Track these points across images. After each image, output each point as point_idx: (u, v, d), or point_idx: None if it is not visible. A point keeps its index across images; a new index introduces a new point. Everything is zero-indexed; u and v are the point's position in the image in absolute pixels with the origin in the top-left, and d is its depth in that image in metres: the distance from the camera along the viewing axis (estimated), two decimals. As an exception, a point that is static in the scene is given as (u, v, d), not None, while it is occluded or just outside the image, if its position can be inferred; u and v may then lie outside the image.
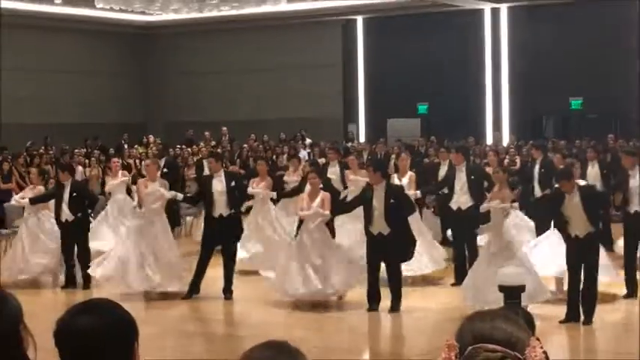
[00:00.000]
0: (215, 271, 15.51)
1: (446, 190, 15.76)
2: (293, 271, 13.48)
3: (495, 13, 32.63)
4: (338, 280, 13.41)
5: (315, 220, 13.54)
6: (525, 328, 2.38)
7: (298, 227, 14.05)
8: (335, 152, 21.78)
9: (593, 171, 18.95)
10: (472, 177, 15.23)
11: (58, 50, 33.12)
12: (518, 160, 23.78)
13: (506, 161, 26.29)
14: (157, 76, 36.76)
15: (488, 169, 16.33)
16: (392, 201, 13.04)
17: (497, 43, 32.69)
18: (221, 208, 14.63)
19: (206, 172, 22.35)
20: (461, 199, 15.18)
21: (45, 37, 32.66)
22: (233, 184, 14.82)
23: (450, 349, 2.32)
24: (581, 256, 11.84)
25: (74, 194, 15.74)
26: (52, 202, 16.09)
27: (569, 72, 30.43)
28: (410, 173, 16.34)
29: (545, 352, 2.35)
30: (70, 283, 15.63)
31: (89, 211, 16.41)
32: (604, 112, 29.96)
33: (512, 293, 7.77)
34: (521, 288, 7.97)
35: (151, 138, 30.88)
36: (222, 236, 14.59)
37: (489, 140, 31.44)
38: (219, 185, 14.73)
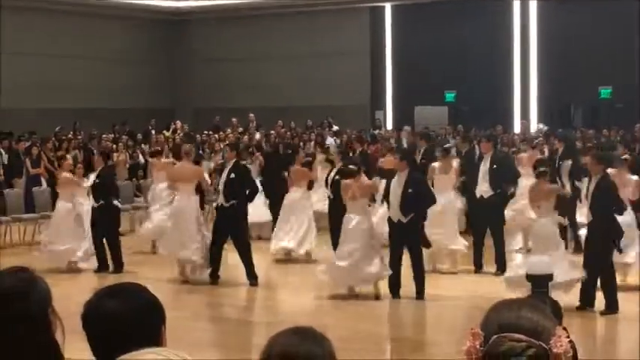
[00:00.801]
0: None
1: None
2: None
3: (525, 0, 32.44)
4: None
5: None
6: (552, 317, 2.36)
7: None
8: (359, 142, 22.04)
9: None
10: (494, 166, 15.30)
11: (88, 36, 33.21)
12: (546, 150, 23.62)
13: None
14: (184, 62, 36.79)
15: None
16: (410, 190, 13.08)
17: (525, 30, 32.51)
18: (221, 198, 14.78)
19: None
20: (482, 187, 15.32)
21: (75, 23, 32.76)
22: (232, 175, 14.80)
23: (475, 337, 2.32)
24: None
25: (97, 181, 15.92)
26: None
27: (598, 60, 30.22)
28: None
29: (572, 342, 2.34)
30: (102, 267, 15.77)
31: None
32: (633, 101, 29.72)
33: (540, 282, 7.76)
34: (549, 277, 7.96)
35: (178, 124, 30.97)
36: (223, 226, 14.68)
37: (517, 129, 31.28)
38: (224, 175, 14.89)
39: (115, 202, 16.15)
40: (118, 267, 15.75)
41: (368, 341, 11.22)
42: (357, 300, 13.38)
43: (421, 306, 13.08)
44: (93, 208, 15.81)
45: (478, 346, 2.30)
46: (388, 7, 34.66)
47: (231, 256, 15.28)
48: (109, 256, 15.80)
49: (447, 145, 16.70)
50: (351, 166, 14.25)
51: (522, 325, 2.29)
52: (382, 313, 12.99)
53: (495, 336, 2.28)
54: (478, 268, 15.37)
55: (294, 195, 17.26)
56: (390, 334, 12.45)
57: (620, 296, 12.23)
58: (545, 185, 13.01)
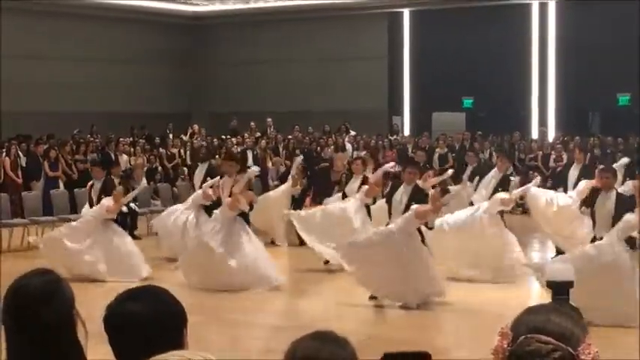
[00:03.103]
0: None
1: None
2: None
3: (543, 7, 32.40)
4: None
5: None
6: (583, 325, 2.35)
7: None
8: (372, 157, 22.27)
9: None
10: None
11: (107, 39, 33.35)
12: (564, 156, 23.60)
13: (552, 157, 26.19)
14: (202, 66, 36.89)
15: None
16: (413, 203, 13.23)
17: (544, 37, 32.46)
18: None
19: (250, 162, 22.58)
20: None
21: (94, 27, 32.90)
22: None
23: (504, 337, 2.33)
24: None
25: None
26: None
27: (616, 67, 30.12)
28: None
29: (597, 352, 2.33)
30: None
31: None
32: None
33: (561, 289, 7.72)
34: (570, 284, 7.92)
35: (196, 128, 31.05)
36: None
37: (535, 135, 31.24)
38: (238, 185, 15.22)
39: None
40: None
41: (392, 345, 11.19)
42: (379, 303, 13.36)
43: (444, 312, 13.08)
44: None
45: (506, 346, 2.32)
46: (406, 13, 34.66)
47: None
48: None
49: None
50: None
51: (551, 329, 2.29)
52: (404, 318, 12.96)
53: (523, 337, 2.29)
54: None
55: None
56: (417, 339, 12.38)
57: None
58: None
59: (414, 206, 13.07)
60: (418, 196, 13.52)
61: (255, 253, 14.67)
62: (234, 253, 14.49)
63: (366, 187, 16.11)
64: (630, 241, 12.07)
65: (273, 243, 19.06)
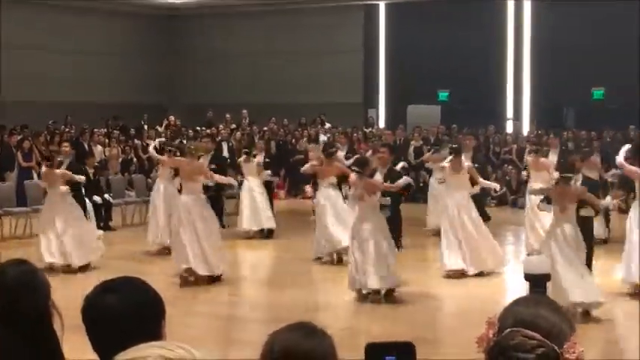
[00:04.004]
0: (246, 255, 15.64)
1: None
2: None
3: (519, 1, 32.48)
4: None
5: None
6: (570, 321, 2.33)
7: None
8: (344, 137, 22.40)
9: (596, 161, 19.05)
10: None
11: (81, 30, 33.12)
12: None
13: (527, 151, 26.29)
14: (178, 57, 36.74)
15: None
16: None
17: (519, 31, 32.54)
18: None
19: (225, 153, 22.56)
20: None
21: (68, 17, 32.68)
22: (214, 166, 15.32)
23: (490, 326, 2.31)
24: None
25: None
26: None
27: (591, 62, 30.23)
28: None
29: (582, 352, 2.31)
30: None
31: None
32: (626, 103, 29.75)
33: (538, 282, 7.74)
34: (547, 276, 7.96)
35: (172, 119, 30.94)
36: None
37: (509, 129, 31.34)
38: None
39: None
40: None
41: (370, 336, 11.21)
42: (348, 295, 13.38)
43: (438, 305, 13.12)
44: None
45: (491, 335, 2.30)
46: (382, 6, 34.65)
47: (229, 253, 15.32)
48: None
49: (455, 146, 16.59)
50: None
51: (539, 324, 2.27)
52: (398, 313, 12.98)
53: (509, 330, 2.27)
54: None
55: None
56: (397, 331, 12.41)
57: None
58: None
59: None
60: (393, 176, 13.57)
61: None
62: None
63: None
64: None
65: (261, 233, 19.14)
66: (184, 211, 14.52)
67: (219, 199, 16.08)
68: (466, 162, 15.39)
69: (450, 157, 15.36)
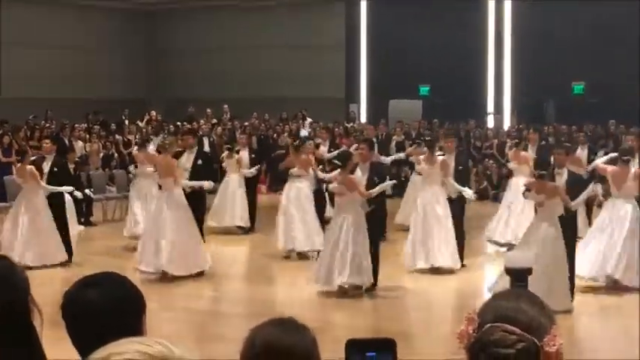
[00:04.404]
0: (218, 250, 15.58)
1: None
2: None
3: (499, -4, 32.57)
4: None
5: None
6: (550, 314, 2.32)
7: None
8: (326, 132, 22.40)
9: (583, 154, 19.13)
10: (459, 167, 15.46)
11: (61, 25, 33.01)
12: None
13: (507, 145, 26.36)
14: (159, 52, 36.66)
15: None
16: (375, 179, 13.35)
17: (500, 25, 32.61)
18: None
19: (206, 148, 22.50)
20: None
21: (47, 12, 32.55)
22: (200, 162, 15.20)
23: (469, 322, 2.29)
24: None
25: (55, 169, 15.75)
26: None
27: (571, 56, 30.35)
28: None
29: (562, 344, 2.29)
30: None
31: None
32: (606, 97, 29.88)
33: (520, 276, 7.75)
34: (529, 270, 7.97)
35: (153, 114, 30.85)
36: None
37: (490, 123, 31.41)
38: (187, 162, 15.03)
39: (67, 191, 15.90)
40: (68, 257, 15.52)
41: (343, 331, 11.21)
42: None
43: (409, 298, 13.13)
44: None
45: (471, 332, 2.28)
46: (364, 1, 34.66)
47: (207, 247, 15.29)
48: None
49: (429, 139, 16.59)
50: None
51: (518, 318, 2.26)
52: (367, 306, 12.99)
53: (488, 325, 2.26)
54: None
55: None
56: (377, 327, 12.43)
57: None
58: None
59: None
60: (376, 171, 13.58)
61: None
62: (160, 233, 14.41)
63: None
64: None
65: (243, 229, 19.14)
66: (159, 209, 14.48)
67: (202, 195, 16.00)
68: (440, 157, 15.33)
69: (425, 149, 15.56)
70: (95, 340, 2.50)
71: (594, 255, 13.46)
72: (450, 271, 14.69)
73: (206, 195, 16.51)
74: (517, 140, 19.49)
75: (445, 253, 14.72)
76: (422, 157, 15.61)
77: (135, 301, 2.74)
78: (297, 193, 16.57)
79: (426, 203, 14.95)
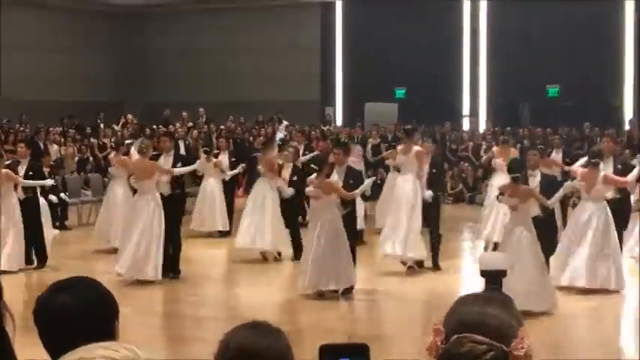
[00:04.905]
0: (196, 253, 15.54)
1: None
2: None
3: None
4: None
5: None
6: (518, 315, 2.29)
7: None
8: (301, 135, 22.42)
9: (558, 157, 19.17)
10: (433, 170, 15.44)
11: (36, 27, 32.83)
12: (494, 147, 23.81)
13: (483, 148, 26.47)
14: (134, 55, 36.54)
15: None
16: (351, 181, 13.33)
17: (475, 28, 32.71)
18: (164, 187, 14.88)
19: (182, 152, 22.44)
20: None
21: (23, 14, 32.37)
22: (180, 165, 15.18)
23: (436, 333, 2.26)
24: None
25: (30, 173, 15.65)
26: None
27: (546, 59, 30.47)
28: None
29: (530, 345, 2.26)
30: (26, 262, 15.34)
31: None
32: (580, 100, 30.04)
33: (494, 278, 7.77)
34: (503, 273, 7.99)
35: (130, 117, 30.70)
36: (165, 216, 14.59)
37: (466, 126, 31.49)
38: (164, 165, 15.00)
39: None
40: (41, 261, 15.41)
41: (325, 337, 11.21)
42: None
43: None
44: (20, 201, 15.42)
45: (439, 344, 2.25)
46: (339, 3, 34.69)
47: (185, 250, 15.26)
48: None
49: (409, 127, 16.53)
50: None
51: (487, 323, 2.22)
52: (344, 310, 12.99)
53: (456, 336, 2.22)
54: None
55: None
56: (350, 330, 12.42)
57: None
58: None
59: None
60: (352, 174, 13.58)
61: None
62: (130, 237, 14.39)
63: None
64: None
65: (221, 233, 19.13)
66: (135, 213, 14.43)
67: (183, 199, 15.95)
68: (416, 147, 15.31)
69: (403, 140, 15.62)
70: (67, 344, 2.49)
71: (564, 262, 13.52)
72: (420, 264, 14.81)
73: (186, 198, 16.46)
74: (504, 137, 19.63)
75: (410, 244, 14.77)
76: (399, 147, 15.61)
77: (107, 306, 2.73)
78: (261, 192, 16.59)
79: (402, 194, 14.98)
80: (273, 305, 12.99)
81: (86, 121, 29.43)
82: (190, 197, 20.81)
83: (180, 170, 15.32)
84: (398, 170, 15.97)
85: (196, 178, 19.92)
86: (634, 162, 15.53)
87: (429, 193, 14.83)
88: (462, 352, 2.20)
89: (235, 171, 19.45)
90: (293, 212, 16.77)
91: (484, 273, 8.20)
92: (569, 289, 13.34)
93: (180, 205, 15.60)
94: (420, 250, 14.90)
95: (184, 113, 30.57)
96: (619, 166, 14.75)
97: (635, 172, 14.41)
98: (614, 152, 15.99)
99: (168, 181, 15.13)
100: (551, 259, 13.43)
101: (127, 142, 21.68)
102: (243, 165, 19.70)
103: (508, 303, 2.32)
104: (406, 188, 14.91)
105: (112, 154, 18.66)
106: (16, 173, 15.42)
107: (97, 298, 2.73)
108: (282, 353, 2.54)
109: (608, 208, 13.67)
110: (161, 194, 14.70)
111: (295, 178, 16.50)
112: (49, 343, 2.68)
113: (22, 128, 27.32)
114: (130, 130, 27.68)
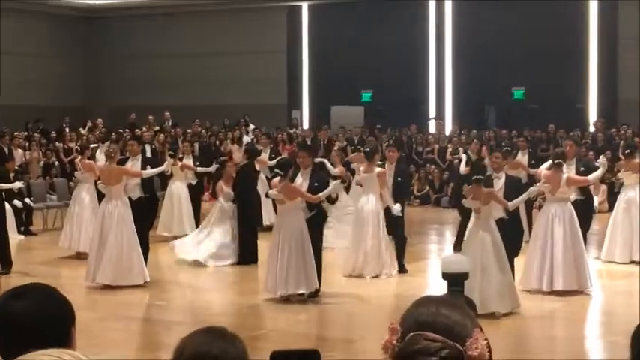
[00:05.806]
0: (164, 258, 15.47)
1: None
2: None
3: (440, 2, 32.76)
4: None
5: None
6: (472, 316, 2.31)
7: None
8: (267, 138, 22.41)
9: (524, 159, 19.26)
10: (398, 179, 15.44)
11: (1, 31, 32.57)
12: (461, 150, 23.93)
13: (449, 150, 26.62)
14: (100, 59, 36.37)
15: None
16: (316, 184, 13.26)
17: (441, 31, 32.82)
18: (134, 191, 14.88)
19: (148, 156, 22.37)
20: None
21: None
22: (148, 168, 15.20)
23: (392, 332, 2.29)
24: None
25: None
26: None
27: (511, 62, 30.62)
28: None
29: (487, 343, 2.29)
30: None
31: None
32: (546, 102, 30.22)
33: (456, 280, 7.81)
34: (465, 275, 8.03)
35: (99, 121, 30.49)
36: (135, 219, 14.53)
37: (432, 129, 31.58)
38: (133, 169, 15.04)
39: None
40: (6, 266, 15.22)
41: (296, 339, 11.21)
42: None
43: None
44: None
45: (395, 342, 2.28)
46: (305, 7, 34.71)
47: (153, 256, 15.21)
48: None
49: (367, 149, 16.53)
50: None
51: (440, 323, 2.25)
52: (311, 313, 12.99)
53: (411, 334, 2.26)
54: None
55: None
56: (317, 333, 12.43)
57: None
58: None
59: None
60: (316, 177, 13.54)
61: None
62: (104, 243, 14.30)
63: None
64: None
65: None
66: (104, 218, 14.35)
67: (154, 202, 15.92)
68: (378, 168, 15.32)
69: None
70: (21, 350, 2.49)
71: (531, 266, 13.61)
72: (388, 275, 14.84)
73: (158, 203, 16.45)
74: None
75: (374, 263, 14.84)
76: (361, 167, 15.68)
77: (63, 313, 2.72)
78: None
79: (365, 210, 15.04)
80: (239, 310, 12.98)
81: (51, 126, 29.26)
82: (161, 201, 20.82)
83: (148, 172, 15.29)
84: (360, 185, 15.98)
85: (167, 181, 19.86)
86: (597, 163, 15.63)
87: (397, 208, 14.85)
88: (417, 349, 2.23)
89: (208, 169, 19.59)
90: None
91: (446, 275, 8.27)
92: (539, 289, 13.42)
93: (150, 208, 15.56)
94: (386, 269, 15.00)
95: (150, 117, 30.47)
96: (582, 169, 14.86)
97: (597, 172, 14.56)
98: (578, 154, 16.13)
99: (138, 184, 15.11)
100: (522, 262, 13.51)
101: (93, 146, 21.62)
102: (216, 166, 19.65)
103: (462, 304, 2.36)
104: (367, 210, 15.00)
105: (78, 159, 18.56)
106: None
107: (53, 306, 2.72)
108: (238, 358, 2.54)
109: (573, 209, 13.78)
110: (130, 198, 14.65)
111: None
112: (3, 349, 2.67)
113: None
114: (98, 134, 27.55)
